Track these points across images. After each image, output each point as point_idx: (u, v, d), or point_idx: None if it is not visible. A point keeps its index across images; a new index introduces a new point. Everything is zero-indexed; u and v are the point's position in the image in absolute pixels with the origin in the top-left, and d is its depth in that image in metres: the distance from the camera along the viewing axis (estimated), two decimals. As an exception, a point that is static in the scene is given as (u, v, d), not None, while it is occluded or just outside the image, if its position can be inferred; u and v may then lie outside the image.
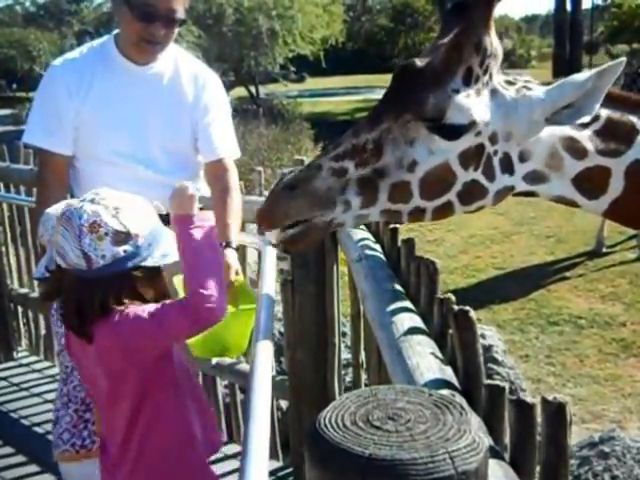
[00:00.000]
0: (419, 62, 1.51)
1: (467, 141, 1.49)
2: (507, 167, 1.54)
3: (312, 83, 35.47)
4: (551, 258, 8.52)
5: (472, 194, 1.53)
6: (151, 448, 1.94)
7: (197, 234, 1.82)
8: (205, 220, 1.87)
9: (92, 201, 1.82)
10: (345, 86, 35.17)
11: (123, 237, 1.80)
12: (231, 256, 2.40)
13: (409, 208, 1.52)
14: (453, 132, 1.47)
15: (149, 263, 1.85)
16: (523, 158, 1.55)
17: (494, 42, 1.48)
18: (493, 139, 1.51)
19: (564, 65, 22.53)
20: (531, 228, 9.71)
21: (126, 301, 1.83)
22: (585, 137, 1.56)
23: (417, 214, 1.54)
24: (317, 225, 1.51)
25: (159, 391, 1.94)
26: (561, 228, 9.42)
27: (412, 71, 1.51)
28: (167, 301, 1.87)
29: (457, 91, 1.47)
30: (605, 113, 1.56)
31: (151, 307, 1.82)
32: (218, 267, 1.85)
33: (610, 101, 1.52)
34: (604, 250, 8.35)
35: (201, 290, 1.75)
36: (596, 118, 1.54)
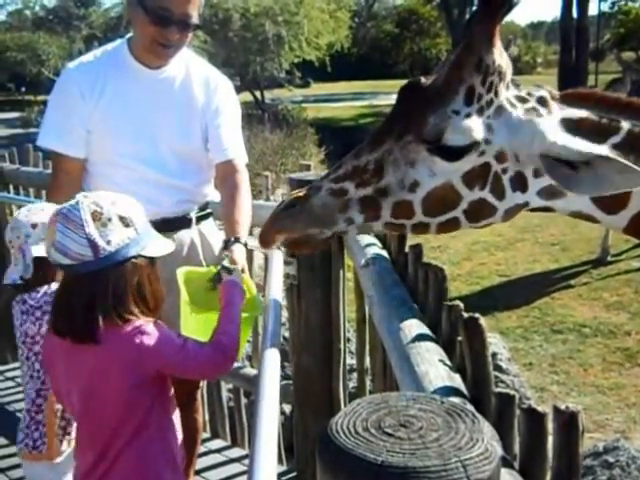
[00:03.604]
0: (424, 80, 1.49)
1: (470, 161, 1.46)
2: (519, 185, 1.50)
3: (317, 88, 35.52)
4: (555, 266, 8.50)
5: (479, 212, 1.51)
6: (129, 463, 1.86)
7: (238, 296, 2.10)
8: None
9: (85, 197, 1.82)
10: (350, 91, 35.20)
11: (125, 222, 1.80)
12: (239, 252, 2.38)
13: (412, 222, 1.52)
14: (453, 153, 1.45)
15: (149, 252, 1.85)
16: (538, 173, 1.50)
17: (499, 58, 1.44)
18: (500, 157, 1.47)
19: (570, 72, 22.37)
20: (535, 235, 9.69)
21: (136, 310, 1.81)
22: (604, 152, 1.47)
23: (421, 228, 1.54)
24: (316, 239, 1.55)
25: (160, 406, 1.91)
26: (566, 236, 9.40)
27: (416, 90, 1.49)
28: (190, 339, 1.92)
29: (457, 112, 1.44)
30: (626, 126, 1.49)
31: (177, 337, 1.89)
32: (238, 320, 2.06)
33: (630, 111, 1.45)
34: (609, 258, 8.32)
35: (231, 340, 1.95)
36: (616, 131, 1.48)
